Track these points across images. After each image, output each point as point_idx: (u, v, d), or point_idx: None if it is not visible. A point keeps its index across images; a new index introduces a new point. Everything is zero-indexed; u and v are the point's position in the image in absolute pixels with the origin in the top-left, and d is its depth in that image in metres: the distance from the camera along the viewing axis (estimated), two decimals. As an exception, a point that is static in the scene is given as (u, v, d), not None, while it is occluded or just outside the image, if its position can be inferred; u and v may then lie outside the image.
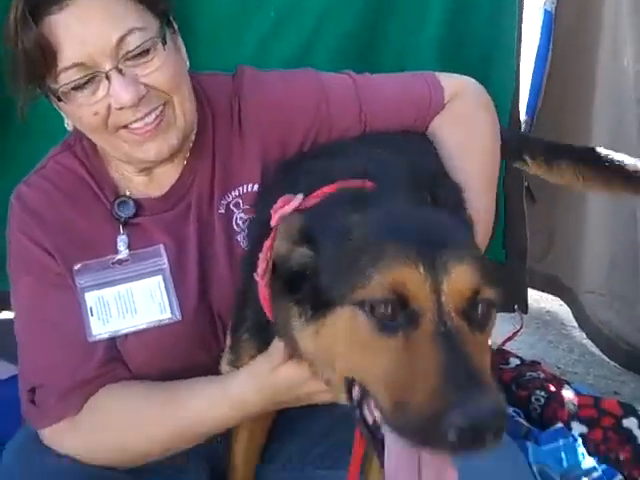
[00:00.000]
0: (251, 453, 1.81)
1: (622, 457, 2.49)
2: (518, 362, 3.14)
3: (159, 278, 1.60)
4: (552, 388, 2.79)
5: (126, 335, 1.59)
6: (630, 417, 2.63)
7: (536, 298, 4.06)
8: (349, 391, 1.13)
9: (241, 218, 1.68)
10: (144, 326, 1.59)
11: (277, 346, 1.39)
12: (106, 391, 1.59)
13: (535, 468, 2.31)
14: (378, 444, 1.08)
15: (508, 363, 3.13)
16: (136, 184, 1.69)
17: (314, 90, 1.80)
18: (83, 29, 1.47)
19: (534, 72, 3.54)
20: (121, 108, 1.52)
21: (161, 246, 1.63)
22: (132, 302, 1.59)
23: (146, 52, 1.54)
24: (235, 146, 1.74)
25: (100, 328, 1.57)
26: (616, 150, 3.36)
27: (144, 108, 1.54)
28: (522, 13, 2.97)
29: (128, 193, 1.69)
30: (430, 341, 0.98)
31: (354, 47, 2.71)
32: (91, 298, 1.58)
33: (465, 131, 1.87)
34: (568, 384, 3.01)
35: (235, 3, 2.50)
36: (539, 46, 3.51)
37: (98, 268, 1.60)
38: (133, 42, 1.51)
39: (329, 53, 2.67)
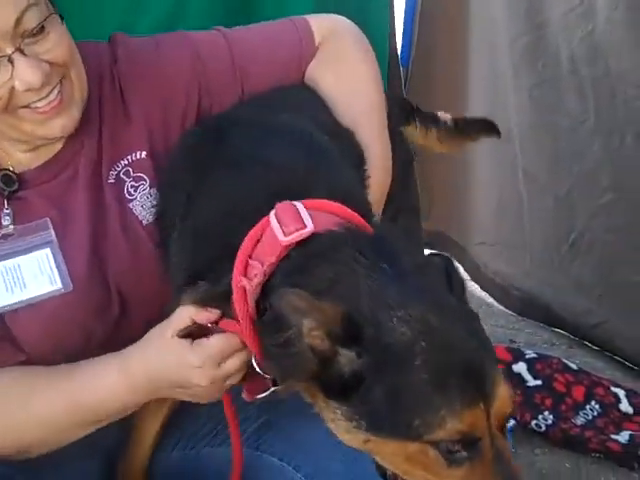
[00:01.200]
0: (155, 431, 1.70)
1: (513, 401, 2.53)
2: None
3: (47, 250, 1.53)
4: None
5: (16, 310, 1.50)
6: (519, 362, 2.68)
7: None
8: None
9: (132, 186, 1.62)
10: (35, 299, 1.51)
11: (180, 313, 1.31)
12: None
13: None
14: None
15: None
16: (18, 158, 1.60)
17: (187, 48, 1.73)
18: None
19: (405, 21, 3.58)
20: (28, 90, 1.42)
21: (47, 219, 1.55)
22: (20, 276, 1.52)
23: (42, 28, 1.44)
24: (119, 113, 1.66)
25: None
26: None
27: (47, 87, 1.46)
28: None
29: (10, 167, 1.59)
30: (490, 465, 1.03)
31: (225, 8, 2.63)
32: None
33: (344, 70, 1.80)
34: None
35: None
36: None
37: None
38: (31, 20, 1.42)
39: (202, 10, 2.59)
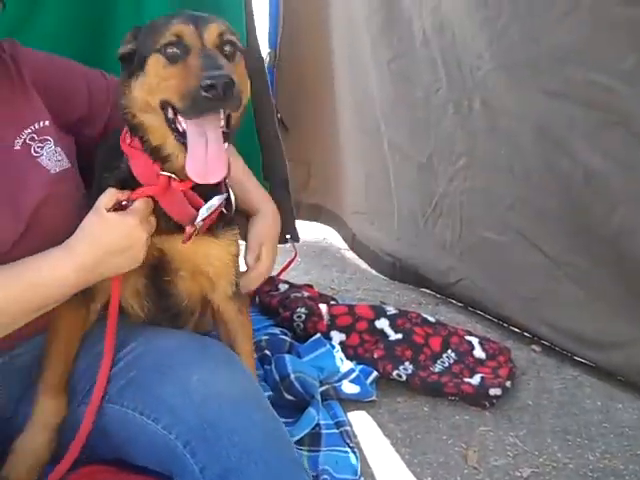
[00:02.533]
0: (69, 347, 1.86)
1: (376, 355, 2.65)
2: (287, 286, 3.24)
3: None
4: (312, 304, 2.91)
5: None
6: (381, 318, 2.80)
7: (313, 228, 4.23)
8: (166, 115, 1.60)
9: (39, 147, 1.81)
10: None
11: (106, 194, 1.70)
12: None
13: (293, 377, 2.41)
14: (185, 144, 1.58)
15: (278, 289, 3.23)
16: None
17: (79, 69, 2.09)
18: None
19: (270, 4, 3.62)
20: None
21: None
22: None
23: None
24: (18, 92, 1.85)
25: None
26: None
27: None
28: None
29: None
30: (196, 57, 1.56)
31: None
32: None
33: None
34: (334, 299, 3.16)
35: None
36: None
37: None
38: None
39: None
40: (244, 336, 2.01)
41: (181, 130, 1.59)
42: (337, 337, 2.77)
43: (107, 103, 2.08)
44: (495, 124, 2.88)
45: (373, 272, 3.78)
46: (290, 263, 3.38)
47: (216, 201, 1.75)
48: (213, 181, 1.57)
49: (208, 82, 1.46)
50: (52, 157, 1.82)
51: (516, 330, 3.02)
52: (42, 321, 1.74)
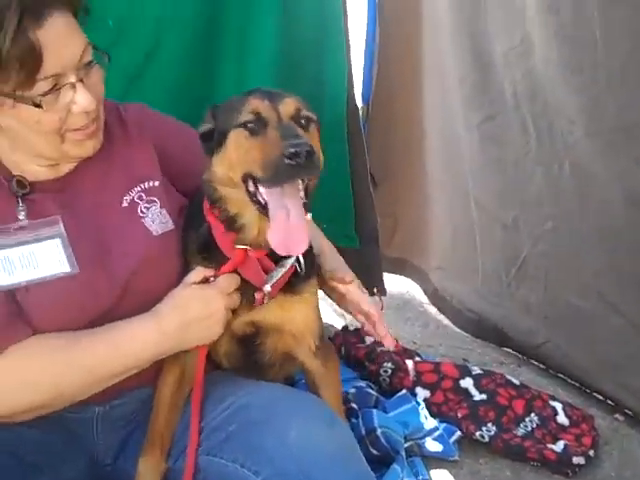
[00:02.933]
0: (175, 398, 1.98)
1: (460, 415, 2.69)
2: (372, 340, 3.30)
3: (57, 241, 1.80)
4: (398, 359, 2.97)
5: (28, 288, 1.74)
6: (466, 377, 2.84)
7: (396, 280, 4.28)
8: (247, 188, 1.70)
9: (145, 207, 1.93)
10: (46, 277, 1.76)
11: (194, 272, 1.85)
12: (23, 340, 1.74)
13: (379, 432, 2.47)
14: (267, 214, 1.67)
15: (364, 342, 3.29)
16: (31, 170, 1.85)
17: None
18: (59, 44, 1.65)
19: (365, 61, 3.77)
20: (83, 112, 1.73)
21: (58, 217, 1.82)
22: (34, 259, 1.77)
23: (91, 63, 1.76)
24: (135, 149, 2.00)
25: (6, 280, 1.73)
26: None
27: (93, 113, 1.78)
28: (346, 8, 3.19)
29: (21, 175, 1.84)
30: (275, 129, 1.66)
31: (195, 55, 2.85)
32: None
33: None
34: (418, 355, 3.21)
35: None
36: (367, 30, 3.75)
37: (1, 234, 1.77)
38: (88, 55, 1.74)
39: (170, 62, 2.80)
40: (332, 393, 2.06)
41: (262, 202, 1.68)
42: (422, 394, 2.81)
43: None
44: (585, 189, 2.91)
45: (455, 328, 3.80)
46: (376, 316, 3.44)
47: (284, 267, 1.85)
48: (296, 253, 1.71)
49: (292, 150, 1.56)
50: (157, 219, 1.93)
51: (599, 397, 3.00)
52: (144, 375, 1.87)
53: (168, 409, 1.96)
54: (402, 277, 4.25)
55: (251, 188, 1.70)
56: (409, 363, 2.93)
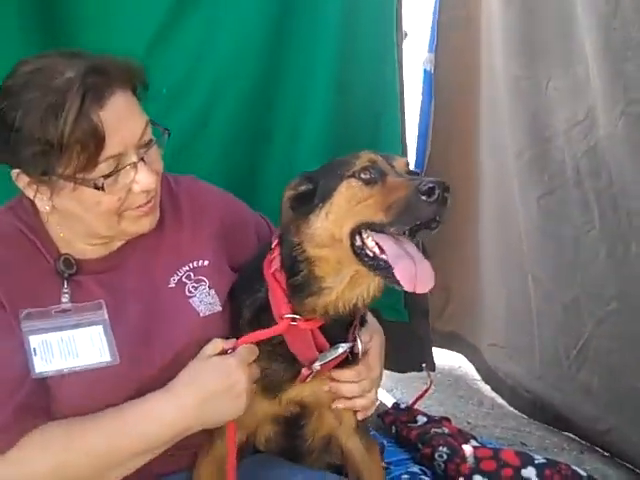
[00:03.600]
0: None
1: (522, 506, 2.55)
2: (425, 420, 3.17)
3: (100, 328, 1.73)
4: (455, 443, 2.84)
5: (63, 376, 1.68)
6: (528, 467, 2.67)
7: (447, 355, 4.16)
8: (353, 243, 1.62)
9: (193, 286, 1.87)
10: (85, 367, 1.70)
11: (212, 343, 1.77)
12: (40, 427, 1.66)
13: (437, 524, 2.35)
14: (379, 265, 1.59)
15: (416, 421, 3.17)
16: (80, 249, 1.81)
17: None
18: (121, 124, 1.62)
19: (419, 129, 3.73)
20: (144, 191, 1.71)
21: (102, 301, 1.76)
22: (74, 346, 1.71)
23: (150, 141, 1.74)
24: (185, 226, 1.95)
25: (43, 367, 1.67)
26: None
27: (153, 190, 1.75)
28: (402, 77, 3.15)
29: (69, 254, 1.80)
30: (395, 177, 1.63)
31: (248, 116, 2.82)
32: (35, 340, 1.68)
33: None
34: (474, 438, 3.07)
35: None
36: (422, 104, 3.72)
37: (43, 316, 1.71)
38: (148, 134, 1.72)
39: (220, 132, 2.78)
40: (375, 476, 1.97)
41: (371, 254, 1.60)
42: (480, 482, 2.68)
43: None
44: (652, 270, 2.81)
45: (511, 408, 3.66)
46: (425, 392, 3.35)
47: (340, 349, 1.77)
48: (422, 291, 1.56)
49: (430, 184, 1.48)
50: (204, 299, 1.86)
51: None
52: (182, 459, 1.84)
53: None
54: (454, 353, 4.13)
55: (358, 242, 1.61)
56: (467, 448, 2.79)
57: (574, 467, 2.72)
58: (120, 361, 1.72)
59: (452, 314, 4.01)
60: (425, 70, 3.68)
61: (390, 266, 1.56)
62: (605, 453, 3.15)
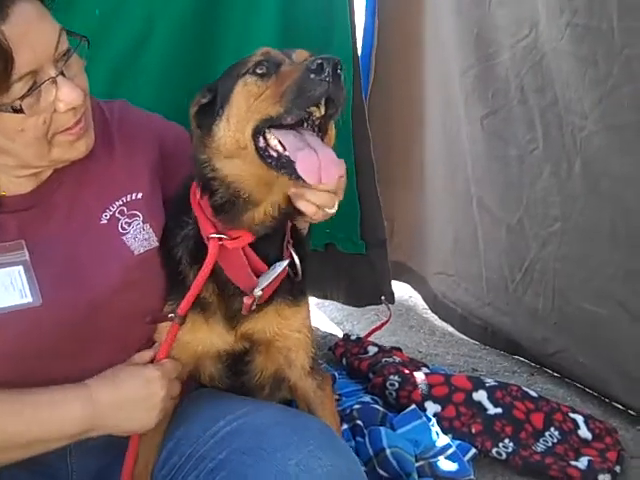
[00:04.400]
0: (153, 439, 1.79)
1: (474, 430, 2.52)
2: (376, 350, 3.15)
3: (19, 268, 1.60)
4: (406, 371, 2.80)
5: None
6: (479, 390, 2.67)
7: (397, 285, 4.10)
8: (257, 146, 1.51)
9: (126, 222, 1.73)
10: (4, 309, 1.55)
11: (140, 353, 1.72)
12: None
13: (389, 452, 2.30)
14: (283, 163, 1.49)
15: (367, 352, 3.14)
16: (2, 183, 1.65)
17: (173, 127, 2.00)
18: (30, 36, 1.43)
19: (363, 48, 3.59)
20: (70, 109, 1.52)
21: (22, 241, 1.62)
22: None
23: (68, 50, 1.54)
24: (117, 158, 1.78)
25: None
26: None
27: (80, 109, 1.57)
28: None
29: None
30: (290, 65, 1.53)
31: (190, 38, 2.66)
32: None
33: None
34: (425, 366, 3.05)
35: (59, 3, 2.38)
36: (365, 23, 3.61)
37: None
38: (64, 43, 1.52)
39: (164, 45, 2.60)
40: (326, 414, 1.87)
41: (275, 155, 1.50)
42: (432, 408, 2.64)
43: None
44: (597, 187, 2.75)
45: (462, 336, 3.64)
46: (382, 325, 3.32)
47: (278, 268, 1.66)
48: (328, 181, 1.47)
49: (319, 61, 1.38)
50: (138, 235, 1.74)
51: (620, 407, 2.84)
52: None
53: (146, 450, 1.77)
54: (403, 283, 4.08)
55: (261, 144, 1.51)
56: (418, 375, 2.76)
57: (525, 388, 2.72)
58: (42, 302, 1.58)
59: (398, 244, 3.94)
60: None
61: (292, 161, 1.47)
62: (555, 374, 3.15)
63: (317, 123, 1.54)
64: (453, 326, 3.71)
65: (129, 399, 1.63)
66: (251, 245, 1.64)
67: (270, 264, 1.66)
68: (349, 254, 3.32)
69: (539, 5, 2.75)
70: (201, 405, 1.81)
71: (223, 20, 2.73)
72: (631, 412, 2.79)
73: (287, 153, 1.48)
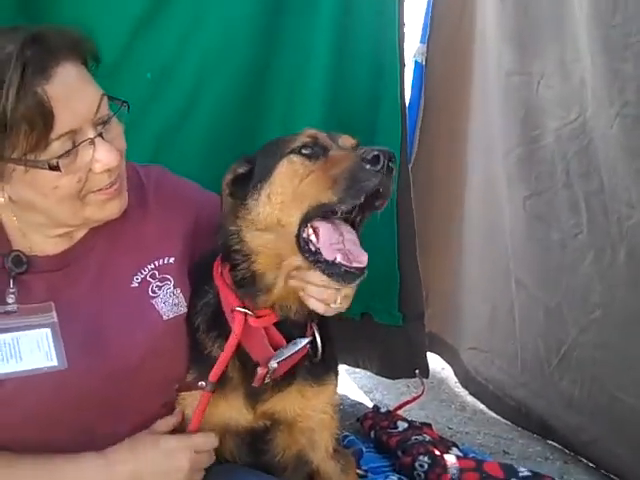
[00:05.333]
0: None
1: (503, 523, 2.46)
2: (406, 425, 3.09)
3: (47, 330, 1.60)
4: (436, 452, 2.75)
5: (3, 381, 1.54)
6: (512, 479, 2.60)
7: (430, 356, 4.05)
8: (300, 234, 1.50)
9: (157, 286, 1.72)
10: (29, 372, 1.55)
11: (163, 420, 1.67)
12: None
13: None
14: (319, 259, 1.48)
15: (396, 427, 3.09)
16: (35, 242, 1.67)
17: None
18: (72, 98, 1.49)
19: (408, 123, 3.57)
20: (105, 170, 1.56)
21: (51, 303, 1.62)
22: (17, 350, 1.56)
23: (108, 116, 1.59)
24: (150, 221, 1.79)
25: None
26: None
27: (116, 171, 1.60)
28: (404, 68, 3.03)
29: (21, 250, 1.66)
30: (337, 151, 1.55)
31: (237, 104, 2.69)
32: None
33: None
34: (456, 446, 2.98)
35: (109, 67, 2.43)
36: (412, 96, 3.61)
37: None
38: (104, 108, 1.57)
39: (210, 113, 2.63)
40: None
41: (313, 249, 1.49)
42: (462, 494, 2.58)
43: None
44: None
45: (493, 414, 3.57)
46: (414, 399, 3.27)
47: (297, 345, 1.64)
48: (359, 263, 1.48)
49: (375, 152, 1.40)
50: (168, 300, 1.73)
51: (656, 503, 2.75)
52: None
53: None
54: (436, 355, 4.03)
55: (304, 234, 1.50)
56: (449, 458, 2.70)
57: (558, 480, 2.65)
58: (67, 366, 1.58)
59: (432, 315, 3.88)
60: (416, 62, 3.60)
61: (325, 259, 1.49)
62: (590, 464, 3.06)
63: (351, 217, 1.55)
64: (484, 404, 3.64)
65: (148, 471, 1.60)
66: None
67: (290, 338, 1.65)
68: (385, 325, 3.29)
69: (589, 92, 2.76)
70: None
71: (270, 89, 2.76)
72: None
73: (319, 246, 1.49)
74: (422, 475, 2.66)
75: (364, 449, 2.89)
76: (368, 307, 3.24)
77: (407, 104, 3.56)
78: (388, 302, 3.20)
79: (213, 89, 2.62)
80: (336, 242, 1.49)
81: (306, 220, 1.50)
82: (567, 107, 2.90)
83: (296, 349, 1.64)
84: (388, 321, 3.23)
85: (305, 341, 1.66)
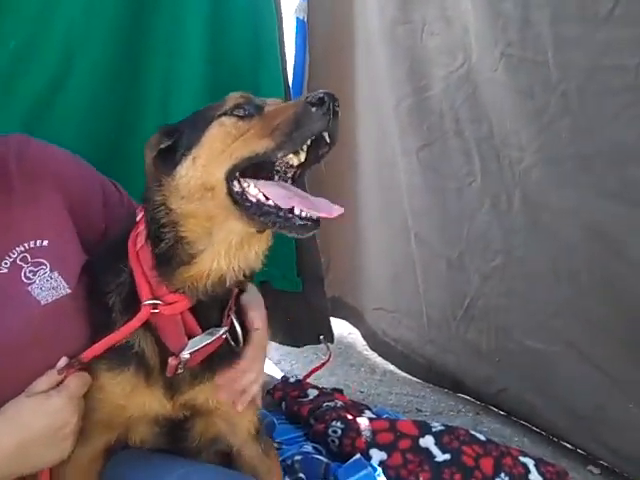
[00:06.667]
0: None
1: (422, 479, 2.40)
2: (316, 393, 3.00)
3: None
4: (349, 417, 2.67)
5: None
6: (426, 435, 2.54)
7: (336, 322, 3.98)
8: (231, 189, 1.40)
9: (31, 271, 1.57)
10: None
11: (45, 376, 1.50)
12: None
13: (336, 507, 2.18)
14: (266, 211, 1.38)
15: (307, 395, 2.99)
16: None
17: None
18: None
19: (293, 81, 3.50)
20: None
21: None
22: None
23: None
24: (16, 201, 1.61)
25: None
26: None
27: None
28: (282, 24, 2.89)
29: None
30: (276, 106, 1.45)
31: (114, 76, 2.49)
32: None
33: None
34: (368, 408, 2.92)
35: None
36: (296, 55, 3.52)
37: None
38: None
39: (83, 83, 2.42)
40: None
41: (254, 200, 1.39)
42: (377, 456, 2.49)
43: (119, 218, 1.82)
44: (537, 221, 2.71)
45: (404, 374, 3.54)
46: (322, 366, 3.20)
47: (212, 336, 1.53)
48: (340, 212, 1.40)
49: (320, 95, 1.32)
50: (45, 284, 1.57)
51: (569, 446, 2.77)
52: None
53: None
54: (340, 320, 3.97)
55: (237, 188, 1.39)
56: (362, 421, 2.63)
57: (472, 432, 2.62)
58: None
59: (334, 279, 3.83)
60: (298, 19, 3.49)
61: (281, 208, 1.37)
62: (501, 412, 3.08)
63: (290, 175, 1.47)
64: (394, 364, 3.61)
65: (37, 439, 1.47)
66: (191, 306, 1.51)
67: (207, 327, 1.53)
68: (286, 292, 3.20)
69: (472, 35, 2.70)
70: (136, 467, 1.66)
71: (146, 58, 2.59)
72: (580, 451, 2.73)
73: (271, 202, 1.38)
74: (336, 441, 2.58)
75: (276, 421, 2.79)
76: (267, 274, 3.13)
77: (293, 63, 3.50)
78: (286, 268, 3.10)
79: (85, 59, 2.42)
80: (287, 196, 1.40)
81: (233, 173, 1.40)
82: (452, 54, 2.87)
83: (210, 340, 1.52)
84: (287, 287, 3.13)
85: (221, 331, 1.54)
